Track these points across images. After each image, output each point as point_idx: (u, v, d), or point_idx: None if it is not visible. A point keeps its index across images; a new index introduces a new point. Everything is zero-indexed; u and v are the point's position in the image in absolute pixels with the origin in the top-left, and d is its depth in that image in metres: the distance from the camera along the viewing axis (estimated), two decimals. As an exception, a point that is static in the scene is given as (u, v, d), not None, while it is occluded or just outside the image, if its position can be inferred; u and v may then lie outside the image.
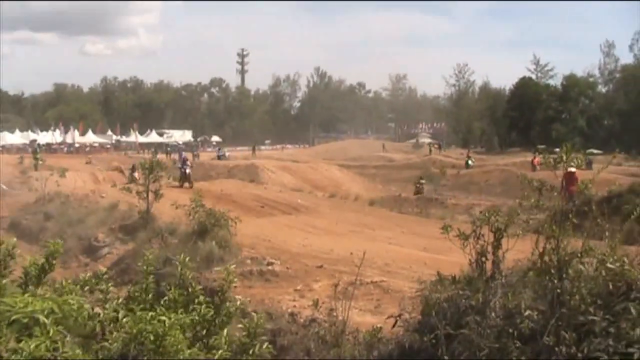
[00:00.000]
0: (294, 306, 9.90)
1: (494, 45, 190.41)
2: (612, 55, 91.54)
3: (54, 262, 4.01)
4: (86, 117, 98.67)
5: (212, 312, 3.70)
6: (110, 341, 3.21)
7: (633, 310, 4.14)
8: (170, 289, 3.83)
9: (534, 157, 43.23)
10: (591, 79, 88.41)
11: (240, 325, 3.76)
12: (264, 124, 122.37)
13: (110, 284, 3.88)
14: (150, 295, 3.91)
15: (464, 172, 46.55)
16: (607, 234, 4.89)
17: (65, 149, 76.93)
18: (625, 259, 4.48)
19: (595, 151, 54.90)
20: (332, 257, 13.41)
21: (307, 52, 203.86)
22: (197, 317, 3.61)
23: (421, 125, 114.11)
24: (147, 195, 17.37)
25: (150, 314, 3.34)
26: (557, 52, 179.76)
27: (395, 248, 15.55)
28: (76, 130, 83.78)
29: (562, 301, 4.47)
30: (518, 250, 5.25)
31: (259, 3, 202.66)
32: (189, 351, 3.25)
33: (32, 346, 2.88)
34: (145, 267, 4.03)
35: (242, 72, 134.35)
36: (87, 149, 79.05)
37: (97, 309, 3.60)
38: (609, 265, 4.46)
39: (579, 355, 4.21)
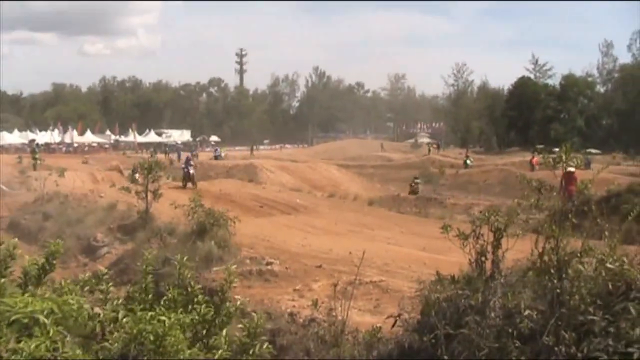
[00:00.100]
0: (293, 306, 9.90)
1: (492, 45, 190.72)
2: (611, 55, 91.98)
3: (54, 262, 4.01)
4: (85, 117, 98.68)
5: (212, 312, 3.70)
6: (110, 341, 3.21)
7: (632, 310, 4.14)
8: (170, 289, 3.83)
9: (533, 157, 43.30)
10: (590, 79, 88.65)
11: (240, 326, 3.76)
12: (263, 123, 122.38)
13: (110, 284, 3.87)
14: (150, 296, 3.91)
15: (463, 171, 46.60)
16: (606, 233, 4.89)
17: (64, 148, 76.88)
18: (625, 259, 4.48)
19: (593, 151, 55.09)
20: (331, 257, 13.41)
21: (306, 52, 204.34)
22: (197, 317, 3.61)
23: (420, 125, 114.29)
24: (146, 195, 17.36)
25: (150, 314, 3.34)
26: (556, 52, 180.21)
27: (394, 248, 15.56)
28: (75, 130, 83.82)
29: (562, 301, 4.47)
30: (517, 250, 5.26)
31: (258, 3, 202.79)
32: (189, 351, 3.25)
33: (32, 346, 2.87)
34: (144, 267, 4.03)
35: (241, 72, 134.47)
36: (86, 148, 79.06)
37: (97, 309, 3.59)
38: (608, 265, 4.46)
39: (579, 355, 4.21)
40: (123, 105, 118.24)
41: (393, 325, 5.82)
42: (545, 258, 4.75)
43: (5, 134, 77.76)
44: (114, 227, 18.72)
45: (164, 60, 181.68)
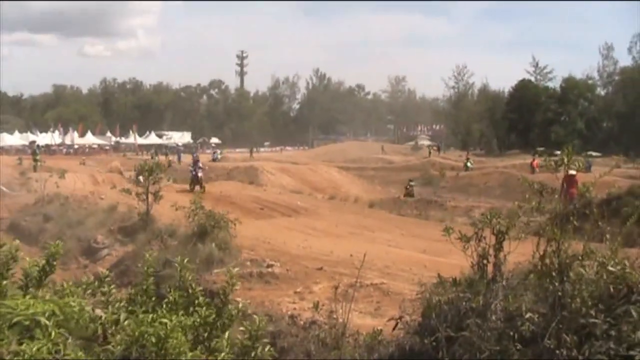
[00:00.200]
0: (294, 308, 9.90)
1: (493, 46, 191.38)
2: (611, 58, 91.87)
3: (55, 263, 4.01)
4: (85, 118, 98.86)
5: (213, 315, 3.70)
6: (112, 344, 3.21)
7: (634, 313, 4.14)
8: (171, 291, 3.83)
9: (533, 160, 43.28)
10: (590, 82, 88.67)
11: (241, 328, 3.76)
12: (263, 125, 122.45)
13: (112, 286, 3.88)
14: (151, 298, 3.91)
15: (463, 174, 46.56)
16: (607, 236, 4.88)
17: (65, 150, 76.95)
18: (626, 262, 4.48)
19: (594, 153, 55.06)
20: (332, 259, 13.41)
21: (306, 53, 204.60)
22: (198, 320, 3.61)
23: (420, 127, 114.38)
24: (147, 197, 17.36)
25: (151, 316, 3.34)
26: (556, 53, 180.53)
27: (395, 250, 15.56)
28: (75, 132, 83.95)
29: (563, 304, 4.46)
30: (518, 253, 5.25)
31: (258, 4, 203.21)
32: (190, 354, 3.25)
33: (34, 349, 2.87)
34: (146, 269, 4.03)
35: (242, 74, 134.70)
36: (87, 150, 79.14)
37: (99, 311, 3.60)
38: (609, 268, 4.45)
39: (580, 358, 4.20)
40: (123, 107, 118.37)
41: (394, 328, 5.81)
42: (547, 261, 4.74)
43: (5, 135, 77.89)
44: (114, 228, 18.72)
45: (164, 61, 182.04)
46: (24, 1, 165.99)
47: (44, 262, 3.96)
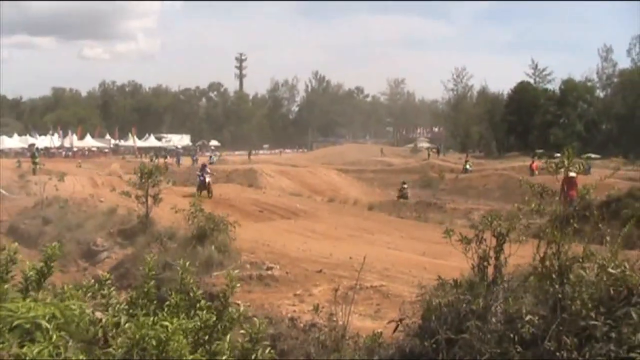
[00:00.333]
0: (294, 311, 9.90)
1: (492, 48, 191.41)
2: (610, 60, 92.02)
3: (53, 265, 4.00)
4: (84, 121, 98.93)
5: (214, 318, 3.70)
6: (113, 347, 3.21)
7: (634, 315, 4.14)
8: (172, 294, 3.83)
9: (533, 162, 43.32)
10: (589, 84, 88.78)
11: (242, 331, 3.76)
12: (263, 128, 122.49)
13: (112, 289, 3.88)
14: (152, 301, 3.90)
15: (463, 176, 46.59)
16: (607, 238, 4.89)
17: (64, 153, 76.95)
18: (626, 264, 4.48)
19: (593, 155, 55.07)
20: (331, 262, 13.41)
21: (306, 56, 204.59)
22: (199, 323, 3.61)
23: (419, 130, 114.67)
24: (146, 200, 17.35)
25: (152, 319, 3.34)
26: (556, 54, 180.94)
27: (394, 252, 15.56)
28: (74, 135, 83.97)
29: (564, 306, 4.47)
30: (518, 255, 5.26)
31: (257, 7, 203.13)
32: (191, 356, 3.24)
33: (35, 351, 2.87)
34: (147, 272, 4.02)
35: (241, 77, 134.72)
36: (86, 153, 79.19)
37: (99, 314, 3.59)
38: (610, 270, 4.46)
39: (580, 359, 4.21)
40: (123, 109, 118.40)
41: (395, 330, 5.81)
42: (547, 263, 4.75)
43: (5, 138, 77.89)
44: (114, 231, 18.70)
45: (163, 64, 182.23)
46: (23, 1, 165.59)
47: (42, 264, 3.95)
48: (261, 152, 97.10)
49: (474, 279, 5.29)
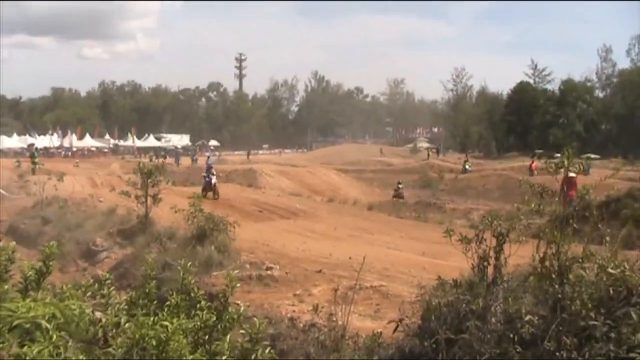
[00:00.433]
0: (294, 311, 9.89)
1: (491, 48, 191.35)
2: (610, 60, 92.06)
3: (51, 264, 4.00)
4: (84, 121, 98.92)
5: (214, 318, 3.70)
6: (113, 347, 3.21)
7: (634, 315, 4.15)
8: (172, 294, 3.83)
9: (532, 162, 43.33)
10: (589, 84, 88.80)
11: (242, 331, 3.77)
12: (262, 128, 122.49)
13: (112, 289, 3.88)
14: (153, 301, 3.91)
15: (462, 176, 46.61)
16: (607, 238, 4.89)
17: (63, 153, 76.93)
18: (626, 264, 4.49)
19: (592, 156, 55.08)
20: (331, 262, 13.41)
21: (305, 56, 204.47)
22: (199, 323, 3.61)
23: (419, 130, 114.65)
24: (146, 200, 17.34)
25: (152, 319, 3.34)
26: (555, 54, 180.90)
27: (394, 252, 15.57)
28: (74, 135, 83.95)
29: (563, 306, 4.47)
30: (518, 256, 5.26)
31: (256, 7, 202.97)
32: (191, 356, 3.25)
33: (35, 351, 2.87)
34: (147, 272, 4.03)
35: (240, 77, 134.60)
36: (85, 153, 79.19)
37: (99, 314, 3.60)
38: (609, 270, 4.47)
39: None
40: (122, 109, 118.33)
41: (395, 330, 5.81)
42: (547, 263, 4.75)
43: (4, 138, 77.84)
44: (113, 231, 18.69)
45: (163, 64, 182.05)
46: (23, 1, 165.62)
47: (41, 264, 3.95)
48: (261, 152, 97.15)
49: (474, 279, 5.30)
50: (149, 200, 17.29)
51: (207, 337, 3.64)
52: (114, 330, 3.39)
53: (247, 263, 12.90)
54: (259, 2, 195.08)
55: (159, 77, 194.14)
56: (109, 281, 3.92)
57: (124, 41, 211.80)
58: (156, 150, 77.62)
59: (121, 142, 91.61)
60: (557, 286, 4.59)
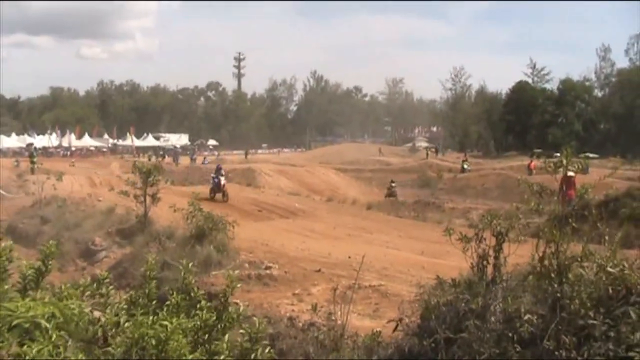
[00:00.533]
0: (293, 310, 9.90)
1: (490, 48, 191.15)
2: (608, 60, 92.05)
3: (50, 263, 4.00)
4: (83, 120, 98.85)
5: (214, 317, 3.70)
6: (112, 346, 3.21)
7: (633, 314, 4.15)
8: (172, 294, 3.83)
9: (531, 161, 43.37)
10: (587, 83, 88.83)
11: (241, 330, 3.77)
12: (261, 127, 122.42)
13: (110, 288, 3.88)
14: (152, 301, 3.91)
15: (461, 175, 46.62)
16: (606, 238, 4.90)
17: (62, 152, 76.85)
18: (625, 263, 4.49)
19: (591, 155, 55.13)
20: (330, 261, 13.42)
21: (304, 56, 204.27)
22: (199, 322, 3.61)
23: (418, 129, 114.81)
24: (145, 199, 17.32)
25: (151, 318, 3.34)
26: (554, 55, 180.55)
27: (392, 252, 15.57)
28: (72, 134, 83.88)
29: (562, 305, 4.47)
30: (517, 255, 5.26)
31: (255, 7, 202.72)
32: (191, 356, 3.25)
33: (35, 351, 2.87)
34: (148, 272, 4.02)
35: (239, 76, 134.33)
36: (84, 152, 79.15)
37: (98, 314, 3.59)
38: (608, 269, 4.46)
39: (579, 359, 4.21)
40: (121, 109, 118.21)
41: (394, 330, 5.81)
42: (546, 262, 4.76)
43: (3, 137, 77.78)
44: (112, 231, 18.68)
45: (161, 63, 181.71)
46: (22, 1, 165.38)
47: (39, 263, 3.95)
48: (259, 151, 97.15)
49: (473, 278, 5.30)
50: (148, 199, 17.28)
51: (206, 336, 3.64)
52: (113, 330, 3.39)
53: (246, 262, 12.91)
54: (259, 2, 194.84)
55: (157, 76, 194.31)
56: (107, 280, 3.92)
57: (122, 41, 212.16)
58: (155, 150, 77.56)
59: (120, 142, 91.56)
60: (556, 285, 4.59)
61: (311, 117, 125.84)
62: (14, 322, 3.04)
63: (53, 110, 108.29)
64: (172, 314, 3.52)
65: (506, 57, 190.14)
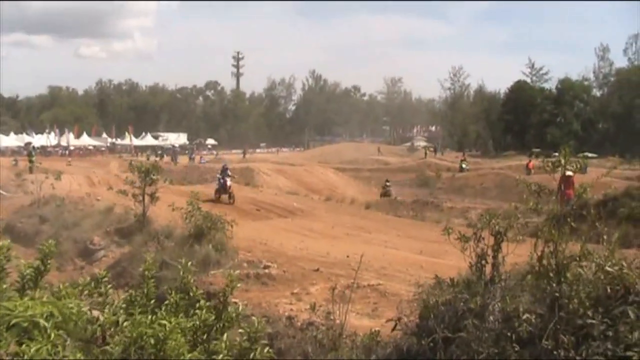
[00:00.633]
0: (291, 309, 9.90)
1: (489, 47, 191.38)
2: (607, 59, 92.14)
3: (49, 262, 4.00)
4: (81, 119, 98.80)
5: (213, 317, 3.70)
6: (111, 345, 3.21)
7: (631, 314, 4.15)
8: (171, 293, 3.83)
9: (529, 161, 43.38)
10: (586, 83, 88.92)
11: (240, 330, 3.76)
12: (259, 127, 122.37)
13: (109, 287, 3.87)
14: (150, 300, 3.90)
15: (459, 175, 46.64)
16: (604, 237, 4.90)
17: (60, 151, 76.78)
18: (624, 263, 4.49)
19: (590, 154, 55.19)
20: (328, 261, 13.42)
21: (303, 55, 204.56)
22: (197, 322, 3.61)
23: (416, 129, 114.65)
24: (143, 199, 17.30)
25: (150, 317, 3.34)
26: (553, 54, 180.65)
27: (391, 251, 15.57)
28: (71, 133, 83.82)
29: (561, 305, 4.47)
30: (516, 254, 5.26)
31: (254, 6, 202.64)
32: (189, 355, 3.25)
33: (33, 350, 2.87)
34: (146, 272, 4.02)
35: (238, 75, 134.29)
36: (82, 151, 79.09)
37: (96, 313, 3.59)
38: (607, 268, 4.46)
39: (578, 358, 4.21)
40: (119, 108, 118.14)
41: (393, 329, 5.81)
42: (544, 262, 4.75)
43: (1, 136, 77.69)
44: (110, 230, 18.65)
45: (160, 63, 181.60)
46: (21, 0, 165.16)
47: (38, 262, 3.94)
48: (258, 150, 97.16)
49: (472, 278, 5.29)
50: (147, 198, 17.26)
51: (205, 336, 3.64)
52: (111, 329, 3.39)
53: (244, 262, 12.90)
54: (258, 2, 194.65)
55: (156, 75, 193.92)
56: (106, 280, 3.91)
57: (121, 40, 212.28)
58: (154, 149, 77.52)
59: (118, 141, 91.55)
60: (554, 285, 4.59)
61: (310, 116, 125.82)
62: (13, 321, 3.04)
63: (51, 109, 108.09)
64: (170, 314, 3.52)
65: (505, 57, 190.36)
